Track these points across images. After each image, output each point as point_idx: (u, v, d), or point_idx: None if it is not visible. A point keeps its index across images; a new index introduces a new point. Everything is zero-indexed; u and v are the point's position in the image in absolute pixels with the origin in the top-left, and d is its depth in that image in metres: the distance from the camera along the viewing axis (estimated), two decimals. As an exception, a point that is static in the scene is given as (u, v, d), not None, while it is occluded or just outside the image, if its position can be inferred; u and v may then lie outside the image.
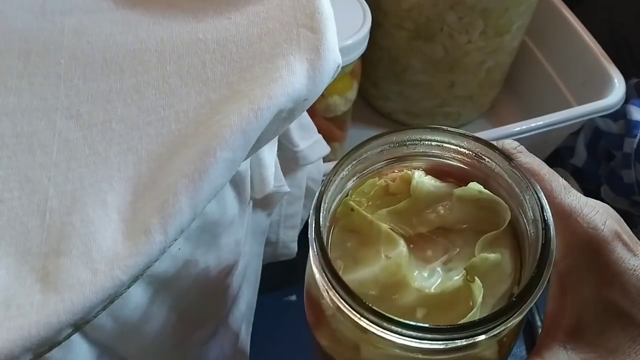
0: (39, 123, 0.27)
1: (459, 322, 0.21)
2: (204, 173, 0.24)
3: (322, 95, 0.29)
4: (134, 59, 0.29)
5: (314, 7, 0.29)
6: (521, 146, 0.25)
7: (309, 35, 0.28)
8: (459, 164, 0.25)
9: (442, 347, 0.20)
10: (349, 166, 0.24)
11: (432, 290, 0.22)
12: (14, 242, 0.24)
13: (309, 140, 0.37)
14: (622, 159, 0.52)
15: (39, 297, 0.22)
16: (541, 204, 0.22)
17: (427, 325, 0.20)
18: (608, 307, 0.22)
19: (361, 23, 0.45)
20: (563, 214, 0.23)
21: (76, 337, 0.25)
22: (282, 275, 0.49)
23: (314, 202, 0.23)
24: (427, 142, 0.25)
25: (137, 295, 0.26)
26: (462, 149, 0.25)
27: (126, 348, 0.28)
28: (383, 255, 0.23)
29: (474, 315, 0.21)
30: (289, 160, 0.37)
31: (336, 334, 0.24)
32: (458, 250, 0.24)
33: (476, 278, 0.22)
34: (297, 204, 0.40)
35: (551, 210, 0.22)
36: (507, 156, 0.24)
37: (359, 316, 0.21)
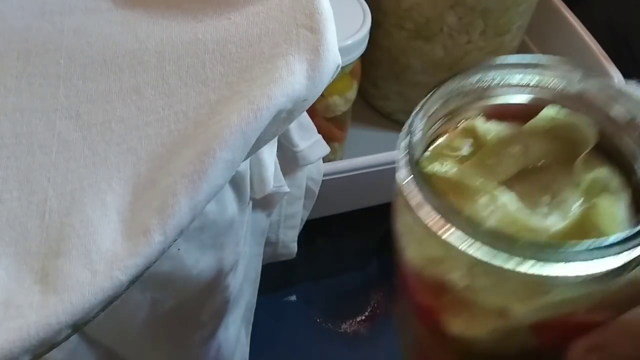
0: (38, 123, 0.27)
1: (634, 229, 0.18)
2: (204, 173, 0.24)
3: (322, 95, 0.29)
4: (134, 59, 0.29)
5: (314, 7, 0.29)
6: None
7: (309, 35, 0.28)
8: (519, 99, 0.23)
9: (622, 263, 0.18)
10: (430, 108, 0.22)
11: (559, 227, 0.20)
12: (13, 243, 0.24)
13: (308, 140, 0.37)
14: (622, 159, 0.51)
15: (38, 297, 0.22)
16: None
17: (627, 233, 0.17)
18: None
19: (361, 23, 0.45)
20: None
21: (75, 338, 0.24)
22: (282, 275, 0.49)
23: (404, 160, 0.20)
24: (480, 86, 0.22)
25: (137, 296, 0.26)
26: (522, 81, 0.22)
27: (125, 348, 0.28)
28: (489, 210, 0.20)
29: (622, 228, 0.19)
30: (289, 160, 0.37)
31: (474, 308, 0.20)
32: (556, 184, 0.21)
33: (604, 195, 0.20)
34: (297, 204, 0.40)
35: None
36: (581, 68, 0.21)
37: (519, 258, 0.17)
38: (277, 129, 0.28)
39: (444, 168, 0.22)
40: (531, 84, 0.23)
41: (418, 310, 0.23)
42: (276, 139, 0.34)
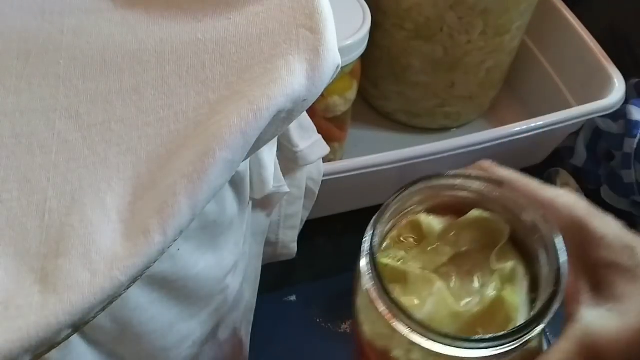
0: (38, 123, 0.27)
1: (519, 325, 0.25)
2: (203, 174, 0.24)
3: (322, 95, 0.29)
4: (133, 59, 0.29)
5: (314, 7, 0.29)
6: (494, 162, 0.30)
7: (309, 35, 0.28)
8: (455, 199, 0.29)
9: (513, 347, 0.24)
10: (380, 228, 0.27)
11: (477, 309, 0.26)
12: (13, 243, 0.24)
13: (308, 140, 0.37)
14: (622, 159, 0.52)
15: (38, 298, 0.22)
16: (537, 209, 0.27)
17: (502, 333, 0.24)
18: (605, 264, 0.27)
19: (361, 23, 0.45)
20: (546, 206, 0.28)
21: (75, 338, 0.25)
22: (282, 275, 0.49)
23: (365, 267, 0.26)
24: (427, 190, 0.29)
25: (136, 296, 0.26)
26: (459, 188, 0.29)
27: (125, 348, 0.28)
28: (427, 295, 0.27)
29: (519, 315, 0.26)
30: (289, 160, 0.37)
31: None
32: (477, 269, 0.28)
33: (506, 286, 0.27)
34: (296, 204, 0.40)
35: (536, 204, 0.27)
36: (498, 183, 0.28)
37: (441, 344, 0.24)
38: (277, 129, 0.28)
39: (394, 259, 0.28)
40: (467, 188, 0.29)
41: None
42: (276, 139, 0.34)
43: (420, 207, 0.29)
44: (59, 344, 0.22)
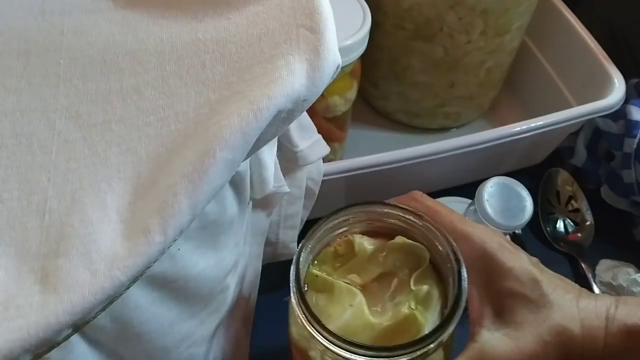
0: (38, 123, 0.27)
1: (416, 338, 0.28)
2: (204, 174, 0.24)
3: (322, 95, 0.29)
4: (134, 59, 0.29)
5: (314, 7, 0.29)
6: (424, 194, 0.34)
7: (309, 35, 0.28)
8: (387, 225, 0.33)
9: (408, 358, 0.28)
10: (310, 244, 0.32)
11: (388, 323, 0.30)
12: (13, 243, 0.24)
13: (308, 140, 0.37)
14: (622, 159, 0.52)
15: (38, 297, 0.22)
16: (449, 242, 0.31)
17: (399, 344, 0.28)
18: (510, 294, 0.31)
19: (361, 23, 0.45)
20: (463, 237, 0.32)
21: (75, 338, 0.25)
22: (282, 275, 0.49)
23: (292, 276, 0.30)
24: (360, 214, 0.33)
25: (137, 296, 0.26)
26: (388, 216, 0.33)
27: (125, 348, 0.28)
28: (348, 305, 0.31)
29: (423, 331, 0.29)
30: (289, 160, 0.37)
31: None
32: (398, 288, 0.32)
33: (418, 306, 0.31)
34: (297, 204, 0.40)
35: (453, 237, 0.31)
36: (419, 215, 0.32)
37: (348, 353, 0.28)
38: (277, 129, 0.28)
39: (325, 271, 0.32)
40: (394, 217, 0.33)
41: None
42: (276, 139, 0.34)
43: (355, 229, 0.34)
44: (59, 343, 0.22)
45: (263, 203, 0.36)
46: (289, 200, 0.40)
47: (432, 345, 0.28)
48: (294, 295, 0.29)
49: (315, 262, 0.33)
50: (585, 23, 0.57)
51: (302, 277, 0.30)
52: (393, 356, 0.28)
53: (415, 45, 0.53)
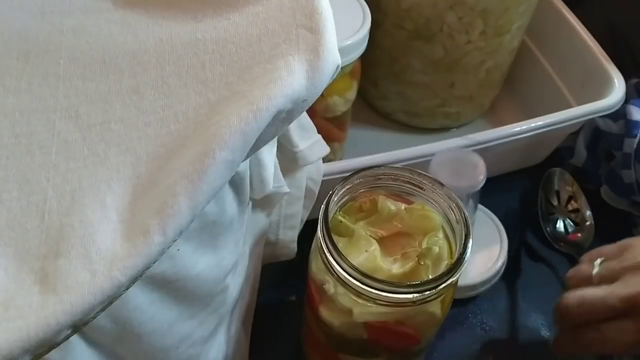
0: (37, 124, 0.27)
1: (417, 281, 0.32)
2: (203, 174, 0.24)
3: (322, 95, 0.29)
4: (133, 59, 0.29)
5: (313, 7, 0.29)
6: None
7: (308, 35, 0.28)
8: (407, 191, 0.37)
9: (409, 298, 0.31)
10: (339, 193, 0.35)
11: (396, 271, 0.34)
12: (12, 243, 0.24)
13: (308, 140, 0.37)
14: (622, 159, 0.52)
15: (37, 298, 0.22)
16: (462, 210, 0.34)
17: (402, 282, 0.32)
18: None
19: (361, 23, 0.45)
20: None
21: (75, 338, 0.25)
22: (282, 275, 0.49)
23: (321, 214, 0.33)
24: (387, 176, 0.37)
25: (136, 296, 0.26)
26: (410, 181, 0.37)
27: (125, 349, 0.28)
28: (364, 250, 0.34)
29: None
30: (289, 160, 0.37)
31: (335, 305, 0.34)
32: (411, 246, 0.35)
33: (427, 261, 0.34)
34: (296, 204, 0.40)
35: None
36: (439, 183, 0.35)
37: (359, 283, 0.31)
38: (277, 129, 0.28)
39: (350, 219, 0.36)
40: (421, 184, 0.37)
41: (309, 300, 0.38)
42: (276, 139, 0.34)
43: (382, 191, 0.37)
44: (58, 344, 0.22)
45: (263, 203, 0.36)
46: (289, 200, 0.40)
47: (429, 292, 0.31)
48: (320, 230, 0.33)
49: (340, 212, 0.36)
50: (585, 23, 0.57)
51: (329, 218, 0.34)
52: (393, 292, 0.31)
53: (415, 45, 0.53)
